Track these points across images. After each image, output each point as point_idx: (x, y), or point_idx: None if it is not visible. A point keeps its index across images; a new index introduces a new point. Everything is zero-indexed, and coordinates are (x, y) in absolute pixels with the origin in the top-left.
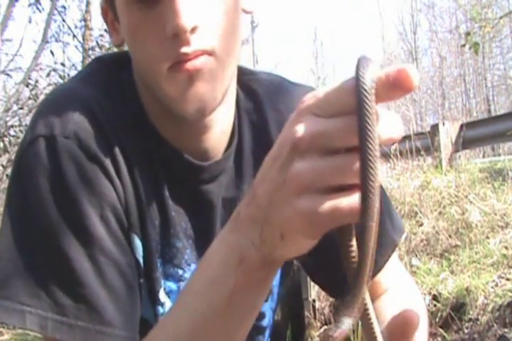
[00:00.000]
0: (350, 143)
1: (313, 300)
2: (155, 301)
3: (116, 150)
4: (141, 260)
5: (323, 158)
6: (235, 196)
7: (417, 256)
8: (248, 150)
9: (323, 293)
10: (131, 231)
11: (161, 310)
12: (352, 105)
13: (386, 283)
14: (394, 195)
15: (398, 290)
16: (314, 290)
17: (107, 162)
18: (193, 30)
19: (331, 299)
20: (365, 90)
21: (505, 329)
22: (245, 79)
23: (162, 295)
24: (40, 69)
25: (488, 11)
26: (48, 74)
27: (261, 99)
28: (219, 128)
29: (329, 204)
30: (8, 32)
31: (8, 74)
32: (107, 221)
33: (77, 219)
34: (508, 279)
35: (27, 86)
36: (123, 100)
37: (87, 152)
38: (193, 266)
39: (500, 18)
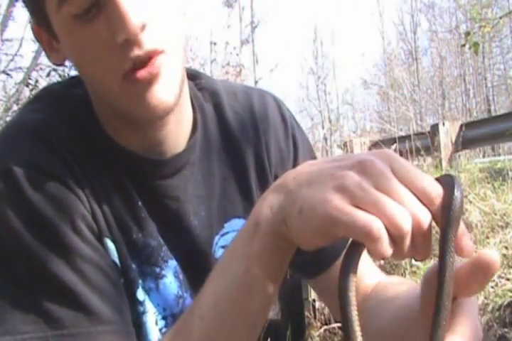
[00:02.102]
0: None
1: (313, 300)
2: (133, 301)
3: (73, 164)
4: (117, 261)
5: (378, 193)
6: (206, 190)
7: None
8: (213, 143)
9: None
10: (103, 236)
11: (140, 308)
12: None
13: (371, 278)
14: None
15: (388, 279)
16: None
17: (67, 177)
18: (143, 28)
19: None
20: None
21: (505, 329)
22: (199, 79)
23: (140, 295)
24: (40, 69)
25: (488, 10)
26: (48, 74)
27: (220, 97)
28: (174, 122)
29: (350, 215)
30: (8, 32)
31: (8, 74)
32: (79, 230)
33: (51, 236)
34: (508, 279)
35: (27, 86)
36: (74, 114)
37: (45, 173)
38: (170, 263)
39: (500, 18)
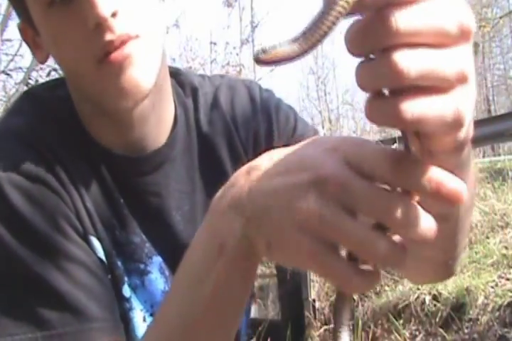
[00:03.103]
0: (373, 215)
1: (313, 300)
2: (120, 297)
3: (56, 165)
4: (103, 258)
5: (340, 214)
6: (189, 185)
7: None
8: (193, 138)
9: (323, 293)
10: (88, 234)
11: (127, 305)
12: (387, 172)
13: None
14: None
15: None
16: (314, 290)
17: (50, 179)
18: (114, 15)
19: (331, 299)
20: None
21: (505, 329)
22: (179, 75)
23: (126, 291)
24: (40, 69)
25: (488, 10)
26: (48, 74)
27: (196, 91)
28: (155, 118)
29: (324, 269)
30: (8, 32)
31: (8, 74)
32: (63, 230)
33: (35, 238)
34: (508, 279)
35: (27, 86)
36: (56, 116)
37: (28, 176)
38: (154, 259)
39: (500, 18)
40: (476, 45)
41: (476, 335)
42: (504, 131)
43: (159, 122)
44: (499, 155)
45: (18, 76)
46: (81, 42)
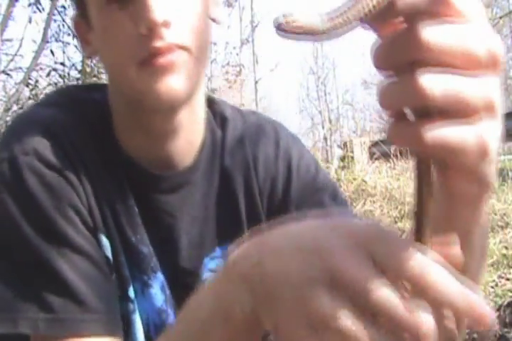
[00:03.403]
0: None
1: None
2: (126, 298)
3: (76, 160)
4: (110, 257)
5: (356, 321)
6: (202, 212)
7: None
8: (215, 167)
9: None
10: (98, 232)
11: (131, 306)
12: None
13: None
14: (394, 194)
15: None
16: None
17: (67, 170)
18: (166, 24)
19: None
20: None
21: (506, 329)
22: (214, 104)
23: (132, 293)
24: (40, 69)
25: (487, 10)
26: (48, 74)
27: (227, 123)
28: (184, 138)
29: None
30: (8, 32)
31: (8, 74)
32: (73, 222)
33: (46, 224)
34: (508, 279)
35: (27, 86)
36: (86, 116)
37: (47, 163)
38: (158, 275)
39: (500, 18)
40: None
41: (475, 335)
42: (504, 131)
43: (188, 143)
44: (499, 155)
45: (18, 76)
46: (129, 43)
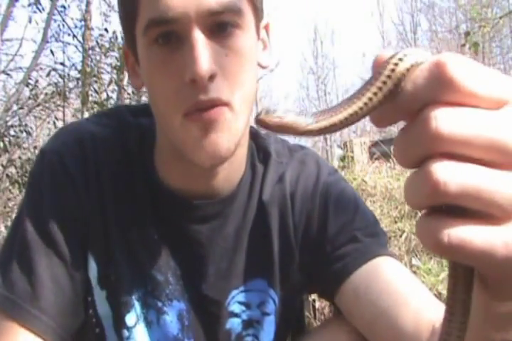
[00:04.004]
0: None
1: (313, 300)
2: (121, 324)
3: (92, 176)
4: (93, 280)
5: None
6: (233, 244)
7: (417, 256)
8: (253, 201)
9: None
10: (88, 250)
11: (126, 333)
12: None
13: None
14: (394, 194)
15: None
16: None
17: (80, 180)
18: (211, 78)
19: None
20: None
21: None
22: (257, 138)
23: (130, 320)
24: (40, 69)
25: (488, 10)
26: (48, 74)
27: (269, 159)
28: (224, 174)
29: None
30: (8, 32)
31: (8, 74)
32: (66, 230)
33: (41, 225)
34: None
35: (27, 86)
36: (127, 141)
37: (64, 165)
38: (174, 303)
39: (500, 18)
40: (475, 45)
41: None
42: None
43: (226, 179)
44: None
45: (18, 76)
46: (172, 91)
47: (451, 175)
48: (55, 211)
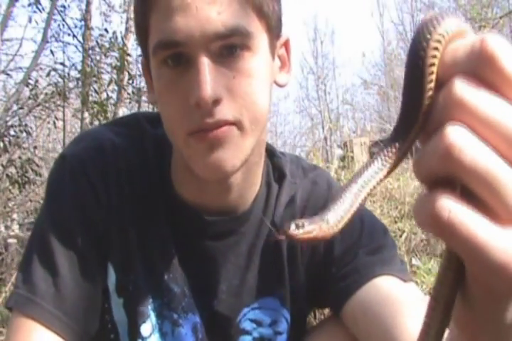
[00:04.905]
0: None
1: None
2: (135, 334)
3: (114, 182)
4: (110, 287)
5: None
6: (246, 262)
7: (417, 256)
8: (267, 223)
9: None
10: (107, 257)
11: None
12: None
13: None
14: (394, 194)
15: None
16: None
17: (100, 186)
18: (216, 102)
19: None
20: None
21: None
22: (274, 157)
23: (145, 330)
24: (40, 69)
25: (488, 10)
26: (48, 74)
27: (284, 180)
28: (238, 191)
29: None
30: (8, 32)
31: (8, 74)
32: (87, 236)
33: (61, 225)
34: None
35: (27, 86)
36: (146, 152)
37: (84, 170)
38: (190, 316)
39: (500, 18)
40: None
41: None
42: None
43: (241, 195)
44: None
45: (18, 76)
46: (179, 111)
47: (467, 143)
48: (77, 217)
